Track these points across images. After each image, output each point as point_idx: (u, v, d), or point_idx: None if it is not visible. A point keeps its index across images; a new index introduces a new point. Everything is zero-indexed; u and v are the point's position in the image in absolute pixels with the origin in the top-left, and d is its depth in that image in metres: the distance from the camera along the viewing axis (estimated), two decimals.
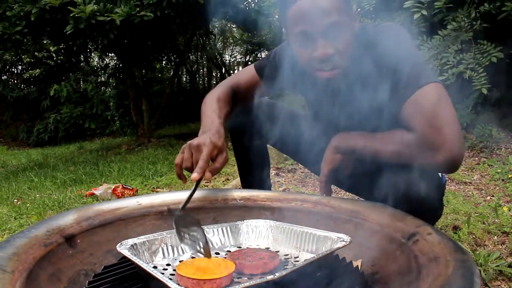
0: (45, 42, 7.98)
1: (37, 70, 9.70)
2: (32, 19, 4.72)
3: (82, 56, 9.99)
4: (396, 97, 1.14)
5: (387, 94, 1.15)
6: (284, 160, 3.42)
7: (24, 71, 10.28)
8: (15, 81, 10.58)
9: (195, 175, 1.08)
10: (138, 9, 4.66)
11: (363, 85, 1.22)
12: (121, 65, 8.28)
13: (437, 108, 1.08)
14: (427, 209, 1.15)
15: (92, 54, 9.95)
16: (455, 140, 1.05)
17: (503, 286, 1.43)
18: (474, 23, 3.37)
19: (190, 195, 1.09)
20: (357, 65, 1.21)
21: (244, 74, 1.53)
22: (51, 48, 9.36)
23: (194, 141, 1.17)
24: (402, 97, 1.12)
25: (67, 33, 4.75)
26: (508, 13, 3.17)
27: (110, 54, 8.81)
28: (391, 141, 1.15)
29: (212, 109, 1.37)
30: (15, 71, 10.67)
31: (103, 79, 10.48)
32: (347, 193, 2.20)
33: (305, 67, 1.24)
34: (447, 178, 2.83)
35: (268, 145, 1.47)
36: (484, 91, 3.23)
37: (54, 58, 9.93)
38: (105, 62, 10.08)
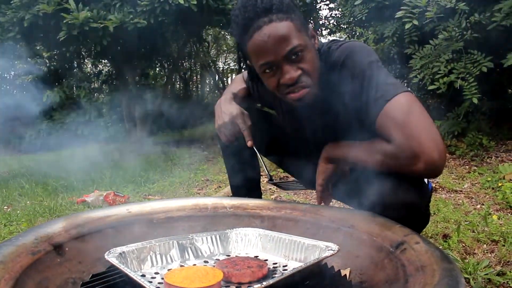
0: (38, 48, 7.96)
1: (30, 76, 9.65)
2: (25, 25, 4.71)
3: (75, 63, 9.95)
4: (367, 114, 1.17)
5: (357, 112, 1.20)
6: (276, 168, 3.43)
7: (17, 77, 10.22)
8: (8, 87, 10.51)
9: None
10: (131, 16, 4.67)
11: (332, 105, 1.26)
12: (114, 71, 8.27)
13: (409, 116, 1.11)
14: (413, 216, 1.16)
15: (85, 61, 9.92)
16: (432, 145, 1.07)
17: None
18: (464, 33, 3.42)
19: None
20: (324, 86, 1.25)
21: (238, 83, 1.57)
22: (44, 54, 9.32)
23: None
24: (373, 112, 1.15)
25: (60, 39, 4.74)
26: (497, 24, 3.21)
27: (103, 61, 8.80)
28: (375, 151, 1.17)
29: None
30: (8, 77, 10.61)
31: (96, 85, 10.45)
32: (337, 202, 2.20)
33: (276, 93, 1.27)
34: (438, 186, 2.85)
35: (258, 154, 1.48)
36: (475, 100, 3.27)
37: (47, 64, 9.89)
38: (98, 68, 10.06)
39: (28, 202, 3.37)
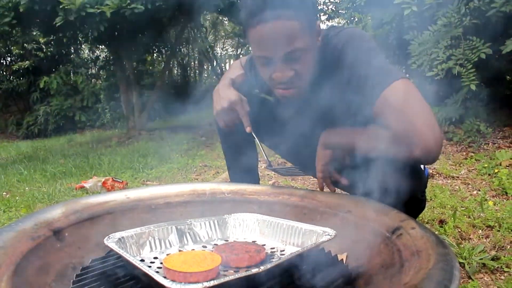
0: (34, 33, 7.89)
1: (27, 61, 9.60)
2: (21, 10, 4.66)
3: (72, 48, 9.89)
4: (365, 100, 1.17)
5: (355, 99, 1.19)
6: (274, 154, 3.43)
7: (13, 62, 10.16)
8: (4, 73, 10.45)
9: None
10: (128, 1, 4.63)
11: (330, 92, 1.26)
12: (111, 57, 8.23)
13: (406, 103, 1.11)
14: (410, 202, 1.17)
15: (83, 46, 9.86)
16: (428, 132, 1.07)
17: (485, 278, 1.46)
18: (463, 19, 3.40)
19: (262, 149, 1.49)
20: (322, 75, 1.25)
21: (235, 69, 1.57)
22: (40, 39, 9.26)
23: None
24: (371, 99, 1.15)
25: (57, 24, 4.70)
26: (497, 10, 3.19)
27: (100, 46, 8.75)
28: (372, 137, 1.17)
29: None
30: (4, 63, 10.54)
31: (93, 71, 10.41)
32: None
33: (267, 82, 1.28)
34: (435, 173, 2.86)
35: (257, 139, 1.49)
36: (473, 87, 3.26)
37: (44, 50, 9.83)
38: (95, 54, 10.00)
39: (27, 188, 3.38)
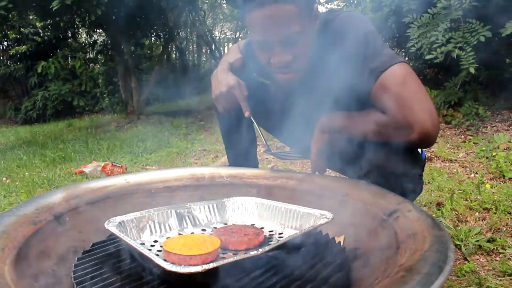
0: (31, 17, 7.82)
1: (24, 46, 9.52)
2: None
3: (69, 32, 9.81)
4: (363, 84, 1.17)
5: (353, 83, 1.19)
6: (273, 138, 3.44)
7: (10, 47, 10.08)
8: (1, 58, 10.38)
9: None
10: None
11: (328, 76, 1.26)
12: (109, 41, 8.17)
13: (403, 87, 1.12)
14: (406, 185, 1.18)
15: (80, 30, 9.77)
16: (426, 116, 1.08)
17: (481, 260, 1.48)
18: (463, 1, 3.37)
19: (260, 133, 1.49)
20: (322, 58, 1.24)
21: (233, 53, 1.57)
22: (37, 24, 9.17)
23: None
24: (369, 83, 1.15)
25: (54, 8, 4.66)
26: None
27: (98, 31, 8.67)
28: (370, 121, 1.18)
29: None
30: (1, 48, 10.45)
31: (91, 55, 10.33)
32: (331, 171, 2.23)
33: (266, 67, 1.28)
34: (433, 156, 2.88)
35: (255, 123, 1.49)
36: (472, 70, 3.26)
37: (41, 34, 9.74)
38: (93, 38, 9.91)
39: (27, 173, 3.39)
